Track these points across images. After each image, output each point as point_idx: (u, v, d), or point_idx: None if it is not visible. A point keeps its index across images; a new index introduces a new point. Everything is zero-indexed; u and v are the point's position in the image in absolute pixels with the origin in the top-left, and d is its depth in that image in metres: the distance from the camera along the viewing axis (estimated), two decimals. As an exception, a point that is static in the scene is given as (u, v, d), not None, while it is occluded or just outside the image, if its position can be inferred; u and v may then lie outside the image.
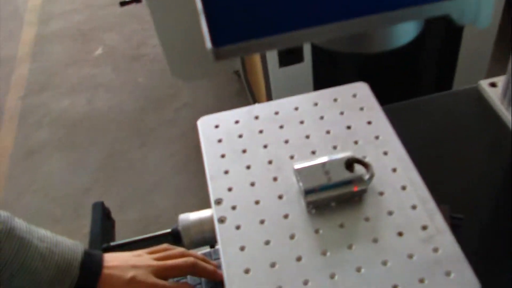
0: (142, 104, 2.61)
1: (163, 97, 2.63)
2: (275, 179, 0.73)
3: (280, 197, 0.71)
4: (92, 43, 3.14)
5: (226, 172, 0.75)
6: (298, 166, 0.71)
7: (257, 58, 1.66)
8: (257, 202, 0.70)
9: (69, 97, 2.74)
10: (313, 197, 0.68)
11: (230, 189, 0.72)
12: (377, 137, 0.77)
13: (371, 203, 0.69)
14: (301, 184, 0.69)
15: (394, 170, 0.73)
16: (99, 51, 3.07)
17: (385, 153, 0.75)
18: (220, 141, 0.80)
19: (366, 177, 0.70)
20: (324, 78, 1.56)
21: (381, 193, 0.70)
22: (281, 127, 0.81)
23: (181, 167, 2.26)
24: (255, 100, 2.12)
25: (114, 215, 2.07)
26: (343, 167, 0.70)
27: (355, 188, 0.68)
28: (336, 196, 0.68)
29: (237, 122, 0.82)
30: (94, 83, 2.81)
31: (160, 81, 2.74)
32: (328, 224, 0.67)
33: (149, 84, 2.74)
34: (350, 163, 0.71)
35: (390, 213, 0.68)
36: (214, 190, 0.72)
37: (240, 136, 0.80)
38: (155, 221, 2.05)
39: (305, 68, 1.52)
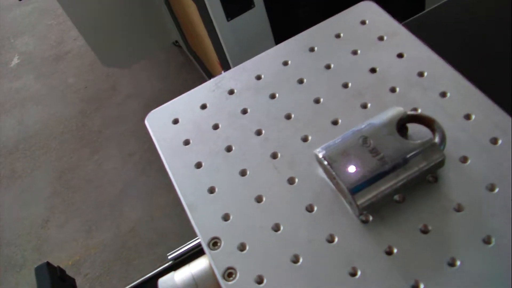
0: (80, 107, 2.26)
1: (101, 93, 2.28)
2: (290, 181, 0.46)
3: (309, 209, 0.44)
4: (6, 54, 2.73)
5: (212, 190, 0.46)
6: (321, 151, 0.43)
7: (197, 16, 1.34)
8: (275, 229, 0.43)
9: (-5, 121, 2.37)
10: (365, 197, 0.41)
11: (225, 218, 0.44)
12: (420, 74, 0.50)
13: (455, 180, 0.43)
14: (339, 180, 0.41)
15: (468, 117, 0.46)
16: (15, 60, 2.67)
17: (443, 95, 0.48)
18: (187, 143, 0.51)
19: (436, 140, 0.43)
20: (285, 22, 1.27)
21: (464, 159, 0.44)
22: (273, 97, 0.52)
23: (144, 166, 1.95)
24: (207, 70, 1.81)
25: (83, 241, 1.76)
26: (395, 135, 0.43)
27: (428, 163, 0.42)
28: (400, 184, 0.41)
29: (204, 106, 0.53)
30: (19, 99, 2.44)
31: (94, 76, 2.38)
32: (402, 235, 0.41)
33: (82, 82, 2.38)
34: (402, 125, 0.44)
35: (491, 187, 0.42)
36: (201, 226, 0.44)
37: (216, 126, 0.51)
38: (132, 235, 1.76)
39: (258, 14, 1.22)
